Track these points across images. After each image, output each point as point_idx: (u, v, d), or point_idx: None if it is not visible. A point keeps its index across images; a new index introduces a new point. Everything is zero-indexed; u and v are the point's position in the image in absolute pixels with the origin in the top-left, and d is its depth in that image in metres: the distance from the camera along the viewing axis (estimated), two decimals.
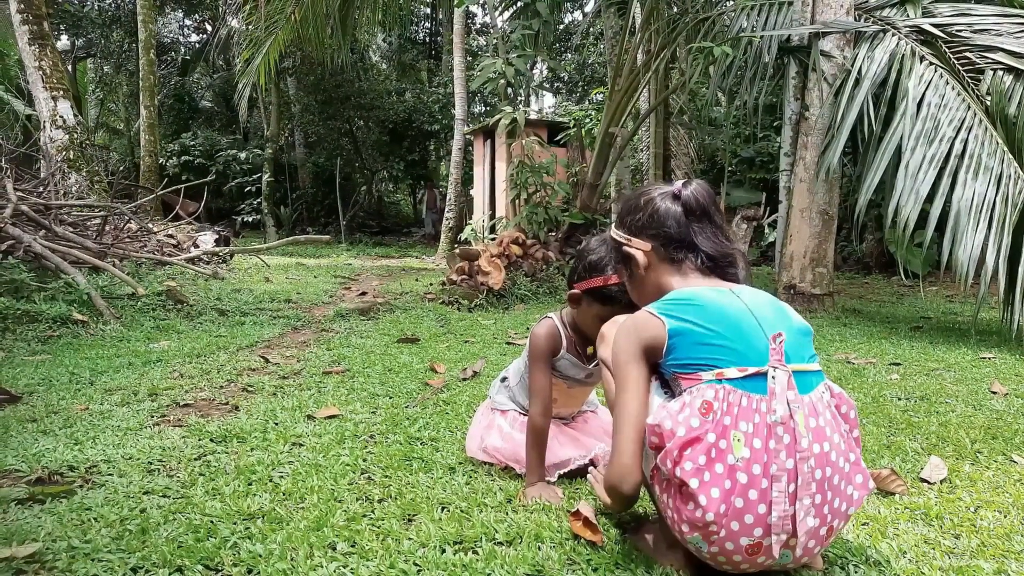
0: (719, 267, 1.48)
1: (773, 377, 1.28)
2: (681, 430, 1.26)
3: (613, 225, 1.62)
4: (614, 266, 1.72)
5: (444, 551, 1.45)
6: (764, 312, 1.38)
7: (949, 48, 5.21)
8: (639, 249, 1.51)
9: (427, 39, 23.25)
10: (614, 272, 1.74)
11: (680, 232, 1.47)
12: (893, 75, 5.16)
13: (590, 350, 1.94)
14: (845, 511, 1.31)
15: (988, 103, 4.85)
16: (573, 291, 1.85)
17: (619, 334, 1.42)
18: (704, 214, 1.48)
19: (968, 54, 5.12)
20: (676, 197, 1.49)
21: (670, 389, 1.39)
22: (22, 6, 7.55)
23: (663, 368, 1.38)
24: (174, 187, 9.14)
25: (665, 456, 1.27)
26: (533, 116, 14.54)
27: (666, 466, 1.27)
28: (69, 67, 17.83)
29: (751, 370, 1.29)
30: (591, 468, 1.72)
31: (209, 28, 20.31)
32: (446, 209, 12.63)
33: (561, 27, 18.44)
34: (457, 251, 6.96)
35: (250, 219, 17.36)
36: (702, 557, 1.32)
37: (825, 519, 1.27)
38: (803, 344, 1.38)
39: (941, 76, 5.02)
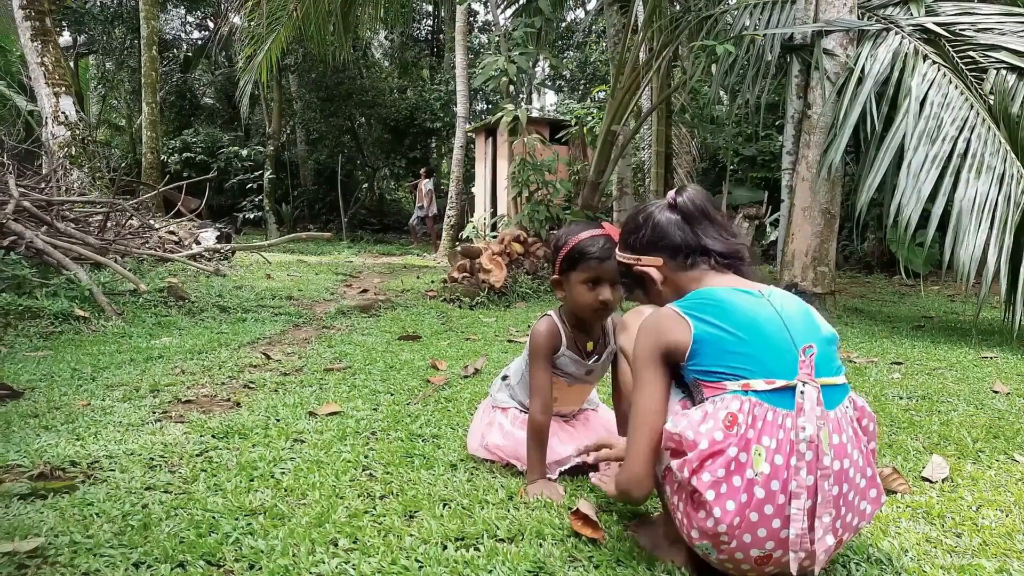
0: (732, 264, 1.46)
1: (802, 392, 1.24)
2: (704, 442, 1.22)
3: (617, 249, 1.59)
4: (618, 280, 1.69)
5: (446, 548, 1.46)
6: (794, 320, 1.33)
7: (952, 47, 5.20)
8: (651, 266, 1.49)
9: (429, 36, 23.22)
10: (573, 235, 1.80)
11: (687, 238, 1.45)
12: (896, 74, 5.15)
13: (590, 346, 1.94)
14: (856, 525, 1.30)
15: (991, 102, 4.84)
16: (555, 278, 1.89)
17: (641, 331, 1.38)
18: (704, 216, 1.47)
19: (971, 53, 5.11)
20: (673, 207, 1.48)
21: (688, 390, 1.37)
22: (25, 2, 7.55)
23: (683, 371, 1.35)
24: (176, 184, 9.13)
25: (683, 464, 1.24)
26: (535, 114, 14.51)
27: (683, 473, 1.24)
28: (71, 63, 17.81)
29: (779, 383, 1.25)
30: (592, 474, 1.71)
31: (211, 25, 20.28)
32: (447, 207, 12.59)
33: (563, 25, 18.41)
34: (459, 248, 6.96)
35: (252, 216, 17.35)
36: (709, 561, 1.31)
37: (836, 532, 1.26)
38: (831, 354, 1.34)
39: (944, 75, 5.01)
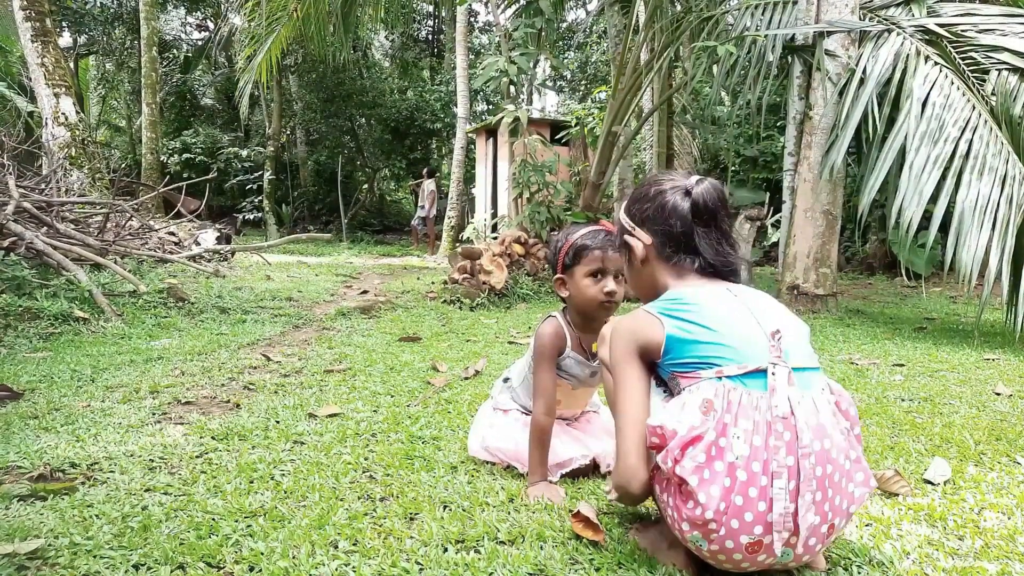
0: (719, 273, 1.47)
1: (773, 374, 1.28)
2: (683, 429, 1.25)
3: (623, 208, 1.60)
4: (616, 247, 1.71)
5: (446, 550, 1.45)
6: (762, 310, 1.38)
7: (954, 48, 5.20)
8: (640, 240, 1.51)
9: (429, 37, 23.25)
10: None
11: (683, 233, 1.45)
12: (897, 75, 5.15)
13: (594, 347, 1.94)
14: (846, 509, 1.31)
15: (993, 103, 4.83)
16: (558, 277, 1.89)
17: (615, 335, 1.42)
18: (711, 218, 1.45)
19: (973, 54, 5.10)
20: (687, 193, 1.46)
21: (667, 387, 1.39)
22: (25, 3, 7.55)
23: (660, 368, 1.38)
24: (176, 184, 9.14)
25: (666, 455, 1.27)
26: (536, 115, 14.51)
27: (666, 464, 1.26)
28: (71, 64, 17.82)
29: (751, 367, 1.28)
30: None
31: (211, 25, 20.30)
32: (448, 208, 12.58)
33: (564, 25, 18.42)
34: (459, 250, 6.95)
35: (251, 217, 17.37)
36: (702, 555, 1.32)
37: (826, 516, 1.27)
38: (802, 343, 1.38)
39: (946, 76, 5.01)
